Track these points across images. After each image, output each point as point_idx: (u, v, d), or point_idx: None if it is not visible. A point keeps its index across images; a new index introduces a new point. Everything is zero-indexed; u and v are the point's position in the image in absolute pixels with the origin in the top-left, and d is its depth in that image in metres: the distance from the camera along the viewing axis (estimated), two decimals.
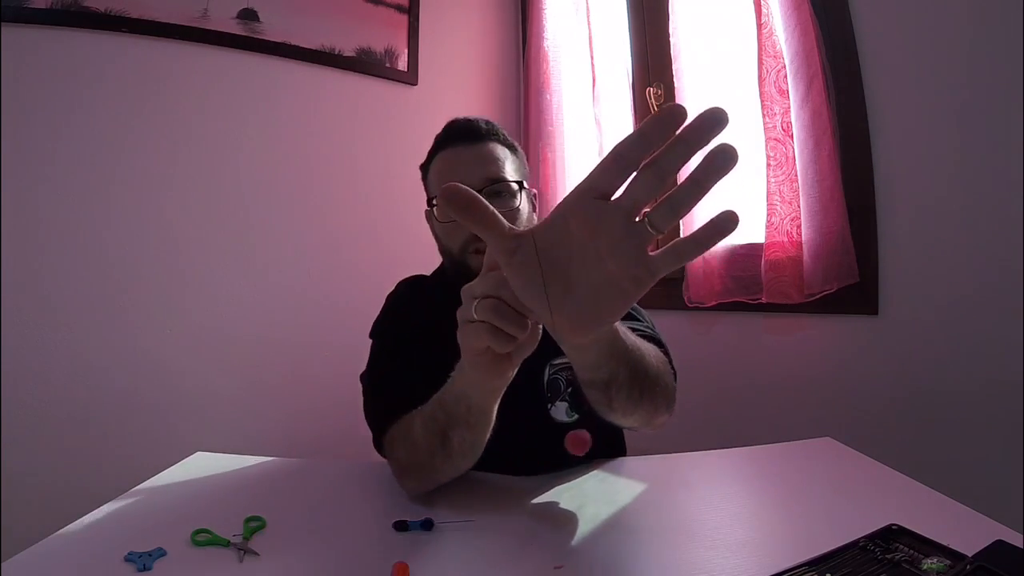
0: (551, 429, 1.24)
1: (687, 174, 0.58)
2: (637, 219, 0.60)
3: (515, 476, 1.19)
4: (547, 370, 1.26)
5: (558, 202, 0.65)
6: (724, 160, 0.55)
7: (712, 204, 0.68)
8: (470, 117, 1.34)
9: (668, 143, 0.56)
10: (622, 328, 0.88)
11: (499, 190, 1.25)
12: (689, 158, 0.57)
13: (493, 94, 3.05)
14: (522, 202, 1.27)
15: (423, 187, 1.39)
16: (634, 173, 0.59)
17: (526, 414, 1.19)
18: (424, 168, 1.38)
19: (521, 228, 1.20)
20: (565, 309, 0.65)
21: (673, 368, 1.17)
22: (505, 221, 0.66)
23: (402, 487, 1.12)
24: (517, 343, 0.72)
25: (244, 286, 2.35)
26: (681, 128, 0.55)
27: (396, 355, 1.27)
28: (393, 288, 1.46)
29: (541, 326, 0.74)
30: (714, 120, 0.54)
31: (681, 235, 0.69)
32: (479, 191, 1.11)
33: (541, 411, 1.25)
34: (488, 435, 0.97)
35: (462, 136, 1.30)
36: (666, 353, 1.19)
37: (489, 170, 1.25)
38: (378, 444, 1.21)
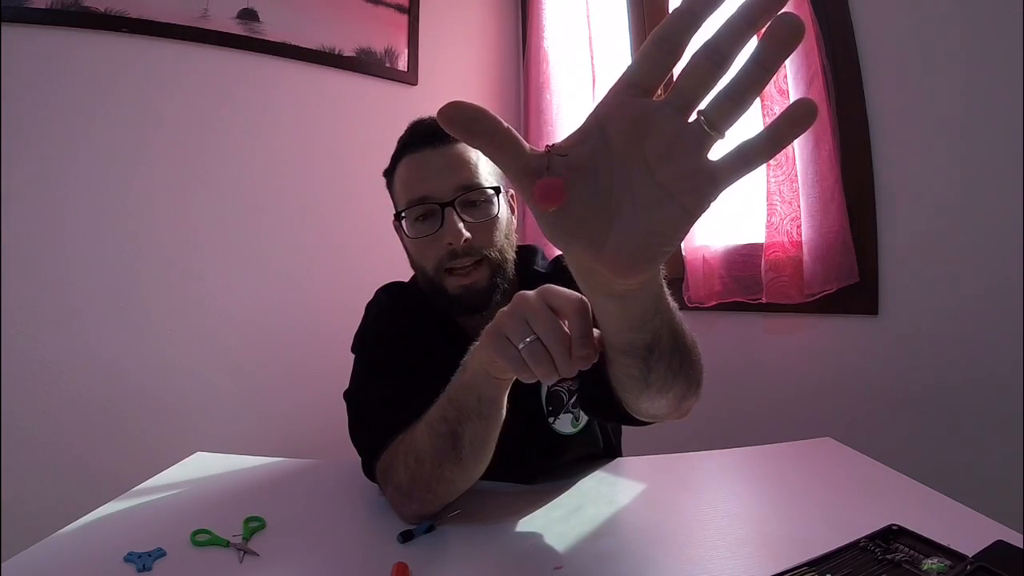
0: (554, 442, 1.20)
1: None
2: (691, 119, 0.49)
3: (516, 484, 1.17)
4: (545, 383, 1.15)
5: None
6: (791, 32, 0.44)
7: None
8: (435, 117, 1.18)
9: (724, 22, 0.46)
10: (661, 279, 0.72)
11: (473, 199, 1.13)
12: (749, 37, 0.46)
13: (493, 94, 3.05)
14: (501, 209, 1.17)
15: (389, 196, 1.27)
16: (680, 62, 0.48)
17: (526, 428, 1.13)
18: (388, 175, 1.25)
19: (501, 236, 1.18)
20: (611, 241, 0.53)
21: None
22: (523, 140, 0.52)
23: (401, 515, 1.02)
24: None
25: (244, 286, 2.35)
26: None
27: (383, 373, 1.16)
28: (372, 297, 1.35)
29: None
30: None
31: None
32: (450, 201, 1.10)
33: (542, 424, 1.19)
34: (497, 433, 0.91)
35: (428, 139, 1.15)
36: None
37: (460, 176, 1.13)
38: (369, 469, 1.11)
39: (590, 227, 0.53)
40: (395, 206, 1.23)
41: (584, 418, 1.23)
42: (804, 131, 0.48)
